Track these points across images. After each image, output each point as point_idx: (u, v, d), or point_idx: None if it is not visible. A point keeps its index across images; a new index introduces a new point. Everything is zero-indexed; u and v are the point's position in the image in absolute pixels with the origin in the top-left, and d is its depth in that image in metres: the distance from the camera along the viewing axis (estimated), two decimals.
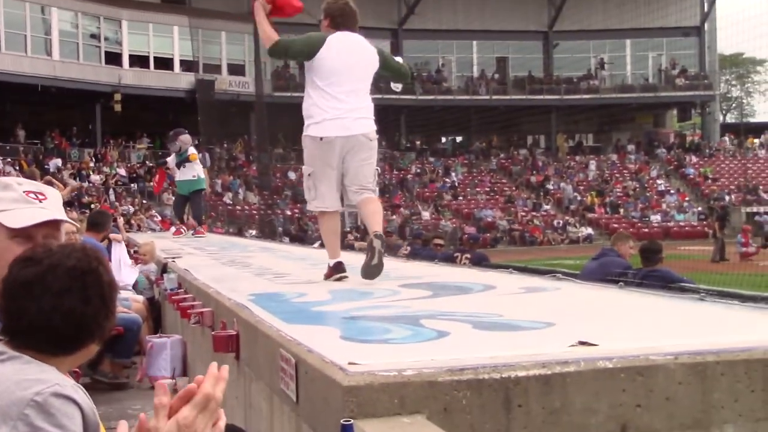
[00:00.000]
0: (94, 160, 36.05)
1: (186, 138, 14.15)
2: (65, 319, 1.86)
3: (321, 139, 5.37)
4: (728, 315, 3.27)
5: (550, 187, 44.44)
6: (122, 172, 35.90)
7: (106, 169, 35.46)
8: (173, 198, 18.68)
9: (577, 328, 2.79)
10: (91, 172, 34.27)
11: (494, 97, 46.95)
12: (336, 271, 5.24)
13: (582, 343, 2.46)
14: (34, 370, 1.83)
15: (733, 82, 73.77)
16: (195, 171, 14.11)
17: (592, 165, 47.16)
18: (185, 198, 14.50)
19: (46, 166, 31.17)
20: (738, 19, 42.53)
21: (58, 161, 34.16)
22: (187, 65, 40.57)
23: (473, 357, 2.31)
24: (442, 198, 42.57)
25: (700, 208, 42.25)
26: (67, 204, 9.13)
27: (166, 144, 14.56)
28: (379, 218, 5.40)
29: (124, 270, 9.02)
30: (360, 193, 5.38)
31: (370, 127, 5.53)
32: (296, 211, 37.73)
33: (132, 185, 35.00)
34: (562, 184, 44.57)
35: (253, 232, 26.02)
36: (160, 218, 28.86)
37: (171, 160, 14.38)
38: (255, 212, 35.16)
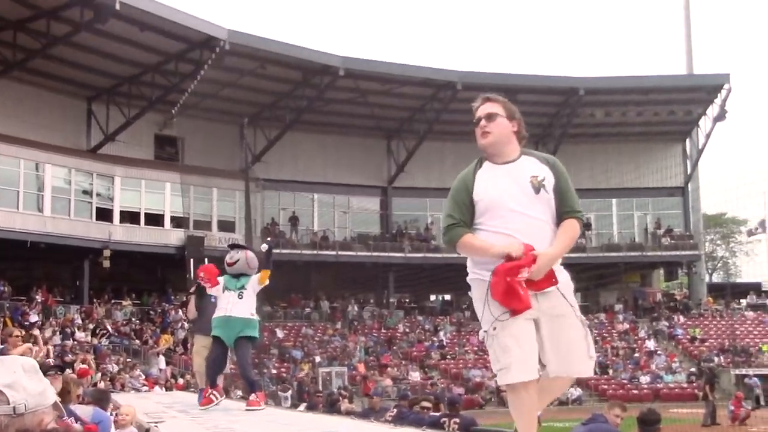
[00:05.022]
0: (80, 317, 35.75)
1: (254, 259, 10.12)
2: None
3: None
4: None
5: None
6: (108, 328, 35.57)
7: (91, 326, 35.11)
8: (193, 349, 13.06)
9: None
10: (76, 329, 33.92)
11: None
12: None
13: None
14: None
15: (718, 242, 74.82)
16: (252, 305, 9.96)
17: None
18: (226, 349, 10.10)
19: (26, 323, 30.80)
20: (720, 180, 43.52)
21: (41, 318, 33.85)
22: (178, 221, 40.88)
23: None
24: (430, 357, 42.19)
25: (693, 369, 41.88)
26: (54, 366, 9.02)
27: (230, 250, 10.23)
28: None
29: None
30: None
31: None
32: (282, 369, 37.36)
33: (117, 343, 34.57)
34: None
35: (239, 393, 25.52)
36: (144, 377, 28.48)
37: (219, 285, 10.00)
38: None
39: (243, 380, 10.28)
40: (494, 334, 4.40)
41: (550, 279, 4.35)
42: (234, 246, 10.60)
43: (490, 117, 4.51)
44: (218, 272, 10.32)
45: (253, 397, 9.89)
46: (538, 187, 4.47)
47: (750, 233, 51.60)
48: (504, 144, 4.54)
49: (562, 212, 4.52)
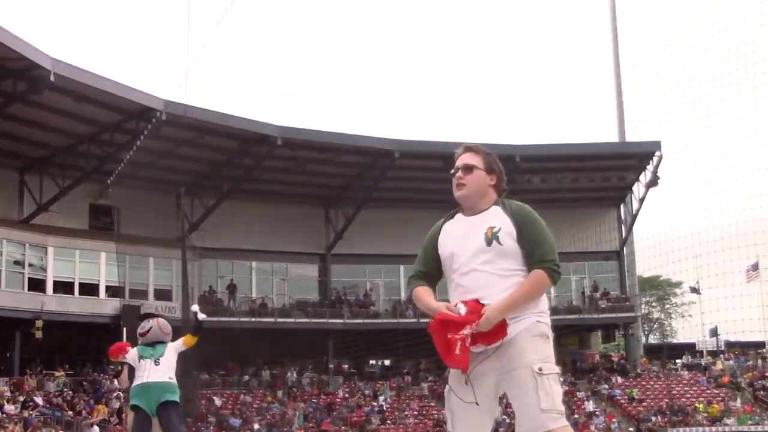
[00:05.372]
0: (9, 389, 34.86)
1: (167, 325, 9.95)
2: None
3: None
4: None
5: None
6: (39, 401, 34.73)
7: (21, 398, 34.26)
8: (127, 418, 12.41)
9: None
10: (5, 402, 33.09)
11: (422, 320, 47.18)
12: None
13: None
14: None
15: (654, 304, 75.95)
16: (171, 370, 9.58)
17: None
18: (147, 418, 9.39)
19: None
20: (654, 243, 44.26)
21: None
22: (113, 291, 40.38)
23: None
24: (370, 422, 41.89)
25: (632, 429, 42.18)
26: None
27: (139, 321, 10.05)
28: None
29: None
30: None
31: None
32: None
33: (49, 415, 33.73)
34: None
35: None
36: None
37: (132, 353, 9.84)
38: None
39: None
40: (446, 396, 4.36)
41: (500, 332, 4.12)
42: (145, 316, 10.42)
43: (467, 168, 4.39)
44: (128, 345, 10.32)
45: None
46: (490, 239, 4.28)
47: (693, 290, 52.45)
48: (478, 197, 4.41)
49: (530, 263, 4.28)
